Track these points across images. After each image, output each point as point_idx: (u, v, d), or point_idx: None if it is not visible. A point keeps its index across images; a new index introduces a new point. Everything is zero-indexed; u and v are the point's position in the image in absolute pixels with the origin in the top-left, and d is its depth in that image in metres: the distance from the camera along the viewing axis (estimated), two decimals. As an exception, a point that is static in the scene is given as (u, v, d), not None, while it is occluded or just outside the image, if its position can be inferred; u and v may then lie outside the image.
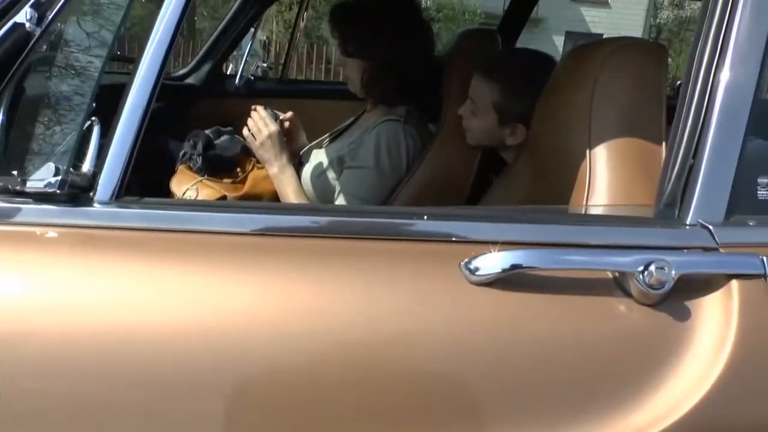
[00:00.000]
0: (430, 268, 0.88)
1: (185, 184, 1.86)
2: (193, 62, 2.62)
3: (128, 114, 0.89)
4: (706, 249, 0.89)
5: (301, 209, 1.14)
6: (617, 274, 0.87)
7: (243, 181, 1.94)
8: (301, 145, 1.94)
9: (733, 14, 0.91)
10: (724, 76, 0.91)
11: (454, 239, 0.90)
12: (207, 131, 1.99)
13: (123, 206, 0.90)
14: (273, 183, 1.81)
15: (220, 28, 2.59)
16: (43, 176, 0.86)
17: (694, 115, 0.92)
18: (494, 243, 0.86)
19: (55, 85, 0.95)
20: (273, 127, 1.78)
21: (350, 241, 0.91)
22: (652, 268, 0.82)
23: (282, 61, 3.06)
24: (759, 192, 0.98)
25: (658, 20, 20.28)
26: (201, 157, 1.92)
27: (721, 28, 0.91)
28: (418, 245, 0.91)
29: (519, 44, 2.61)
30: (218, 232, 0.90)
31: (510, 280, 0.85)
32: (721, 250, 0.89)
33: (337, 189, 1.71)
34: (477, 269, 0.84)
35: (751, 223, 0.92)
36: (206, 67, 2.60)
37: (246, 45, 2.61)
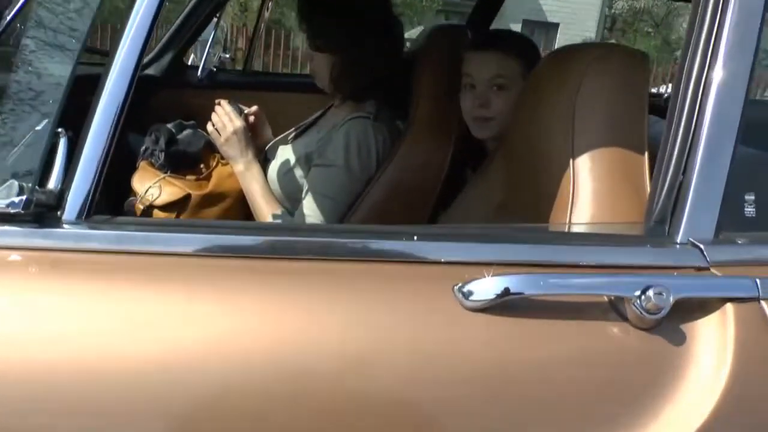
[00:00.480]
0: (423, 290, 0.85)
1: (148, 182, 1.80)
2: (154, 52, 2.52)
3: (98, 126, 0.82)
4: (698, 269, 0.87)
5: (280, 230, 1.06)
6: (613, 298, 0.85)
7: (207, 178, 1.88)
8: (267, 141, 1.90)
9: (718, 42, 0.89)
10: (714, 90, 0.89)
11: (443, 260, 0.86)
12: (169, 125, 1.92)
13: (94, 227, 0.84)
14: (238, 180, 1.76)
15: (182, 16, 2.49)
16: (5, 195, 0.79)
17: (683, 131, 0.90)
18: (487, 264, 0.83)
19: (16, 93, 0.88)
20: (238, 122, 1.73)
21: (345, 263, 0.86)
22: (651, 293, 0.80)
23: (240, 46, 2.99)
24: (746, 209, 0.97)
25: (613, 10, 20.57)
26: (164, 153, 1.85)
27: (708, 50, 0.90)
28: (408, 267, 0.87)
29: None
30: (198, 255, 0.84)
31: (505, 304, 0.82)
32: (712, 269, 0.87)
33: (305, 187, 1.66)
34: (471, 293, 0.81)
35: (739, 242, 0.91)
36: (167, 58, 2.50)
37: (209, 35, 2.53)
